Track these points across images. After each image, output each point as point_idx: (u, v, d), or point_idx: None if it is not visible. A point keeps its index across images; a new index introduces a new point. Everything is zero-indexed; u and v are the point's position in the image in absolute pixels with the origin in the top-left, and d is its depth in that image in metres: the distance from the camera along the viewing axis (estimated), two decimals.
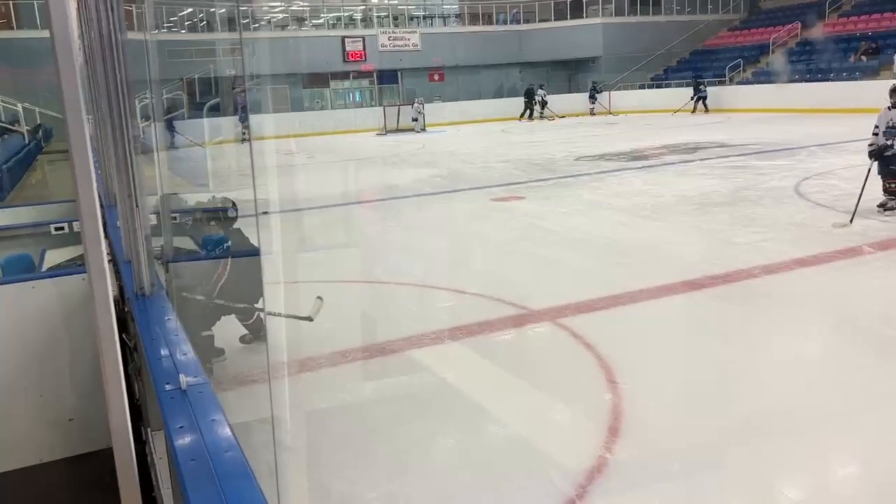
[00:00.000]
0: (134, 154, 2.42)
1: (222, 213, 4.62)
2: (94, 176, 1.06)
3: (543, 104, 29.38)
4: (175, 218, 4.18)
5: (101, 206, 4.57)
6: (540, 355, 4.70)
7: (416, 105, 25.68)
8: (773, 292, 5.53)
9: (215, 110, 20.42)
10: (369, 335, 5.02)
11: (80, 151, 1.02)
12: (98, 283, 1.12)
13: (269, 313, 4.22)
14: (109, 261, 3.52)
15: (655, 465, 3.20)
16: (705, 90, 25.51)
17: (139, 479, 2.21)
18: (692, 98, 25.65)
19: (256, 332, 4.50)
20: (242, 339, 4.49)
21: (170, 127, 19.49)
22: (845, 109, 18.24)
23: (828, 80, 23.22)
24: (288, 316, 4.17)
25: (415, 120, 25.26)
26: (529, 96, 28.96)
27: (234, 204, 4.72)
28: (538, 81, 30.97)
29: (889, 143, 7.36)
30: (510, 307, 5.37)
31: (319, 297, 4.22)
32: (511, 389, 4.11)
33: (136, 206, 2.39)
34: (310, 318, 4.12)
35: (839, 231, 7.06)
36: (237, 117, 20.53)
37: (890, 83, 7.88)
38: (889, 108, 7.47)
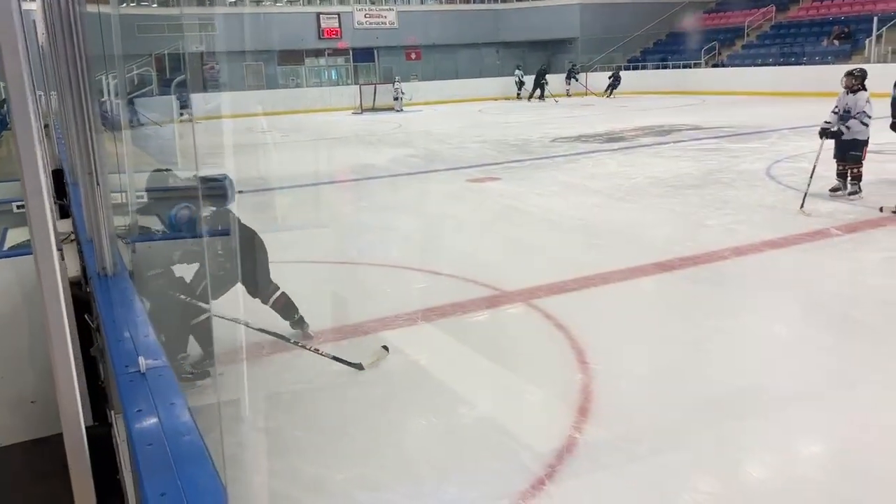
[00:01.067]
0: (94, 131, 2.36)
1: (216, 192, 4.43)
2: (39, 152, 1.02)
3: (521, 84, 29.34)
4: (140, 196, 4.07)
5: (66, 183, 4.46)
6: (512, 336, 4.71)
7: (395, 85, 25.56)
8: (743, 274, 5.59)
9: (182, 87, 19.94)
10: (342, 316, 5.00)
11: (23, 127, 0.98)
12: (45, 264, 1.08)
13: (314, 350, 3.93)
14: (72, 240, 3.45)
15: (624, 445, 3.22)
16: (620, 79, 27.69)
17: (106, 462, 2.17)
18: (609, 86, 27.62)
19: (290, 318, 4.41)
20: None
21: (131, 104, 18.99)
22: (817, 93, 18.41)
23: (801, 63, 23.44)
24: (335, 358, 3.89)
25: (396, 99, 25.17)
26: (542, 76, 28.43)
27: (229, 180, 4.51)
28: (515, 62, 30.85)
29: (842, 128, 7.42)
30: (484, 288, 5.36)
31: (385, 348, 4.01)
32: (483, 370, 4.11)
33: (97, 183, 2.33)
34: (360, 366, 3.86)
35: (808, 214, 7.15)
36: (176, 99, 19.75)
37: (866, 67, 7.94)
38: (845, 92, 7.54)
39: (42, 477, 2.36)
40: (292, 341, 4.11)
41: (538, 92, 28.34)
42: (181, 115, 18.25)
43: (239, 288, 4.09)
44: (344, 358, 3.88)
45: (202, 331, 3.82)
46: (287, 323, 4.42)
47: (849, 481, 2.92)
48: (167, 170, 4.37)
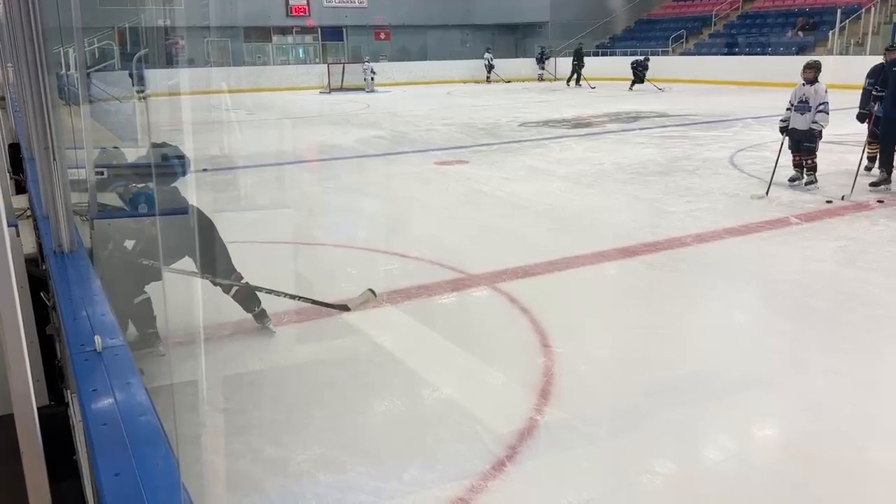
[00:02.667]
0: (51, 104, 2.30)
1: (162, 169, 4.30)
2: None
3: (490, 67, 29.29)
4: (102, 173, 3.99)
5: (22, 157, 4.34)
6: (477, 319, 4.73)
7: (366, 65, 25.34)
8: (703, 260, 5.68)
9: (140, 62, 19.42)
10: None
11: None
12: None
13: (301, 298, 3.67)
14: (28, 216, 3.37)
15: (583, 427, 3.27)
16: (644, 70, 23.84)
17: (63, 442, 2.14)
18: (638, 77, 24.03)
19: (249, 310, 4.26)
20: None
21: (88, 78, 18.41)
22: (781, 83, 18.73)
23: (766, 53, 23.78)
24: (317, 303, 3.61)
25: (366, 80, 25.00)
26: (579, 58, 26.09)
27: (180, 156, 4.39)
28: (484, 44, 30.74)
29: (814, 126, 7.56)
30: (449, 271, 5.38)
31: (372, 291, 3.74)
32: (447, 353, 4.13)
33: (54, 158, 2.27)
34: (346, 307, 3.61)
35: (763, 202, 7.30)
36: (130, 77, 19.04)
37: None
38: (803, 83, 7.68)
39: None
40: (275, 292, 3.95)
41: (575, 75, 25.84)
42: (140, 91, 17.69)
43: (187, 262, 3.96)
44: (328, 302, 3.69)
45: (140, 312, 3.75)
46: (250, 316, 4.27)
47: (802, 466, 3.00)
48: (115, 147, 4.28)
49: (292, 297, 3.61)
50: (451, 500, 2.73)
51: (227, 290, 4.13)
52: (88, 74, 17.90)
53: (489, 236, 6.59)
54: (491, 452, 3.02)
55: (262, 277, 5.02)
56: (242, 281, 4.18)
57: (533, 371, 3.76)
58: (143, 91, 17.51)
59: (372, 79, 25.18)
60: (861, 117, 8.12)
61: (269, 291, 4.02)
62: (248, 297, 4.21)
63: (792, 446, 3.20)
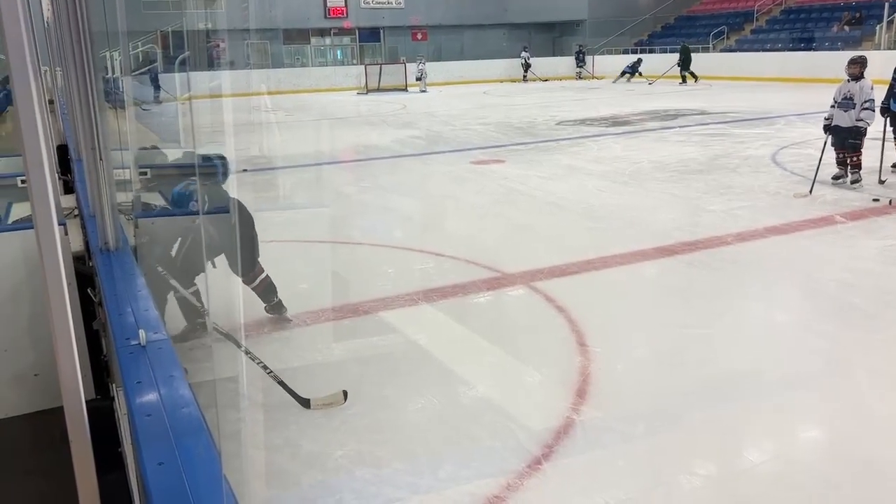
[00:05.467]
0: (98, 107, 2.37)
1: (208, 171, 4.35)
2: (40, 124, 1.03)
3: (527, 66, 29.18)
4: (145, 173, 4.09)
5: (70, 159, 4.47)
6: (513, 318, 4.73)
7: (420, 65, 25.43)
8: (744, 259, 5.59)
9: (185, 65, 19.68)
10: (342, 295, 5.02)
11: (24, 99, 0.99)
12: (45, 237, 1.10)
13: (265, 369, 3.41)
14: (76, 215, 3.47)
15: (621, 426, 3.25)
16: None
17: (108, 435, 2.21)
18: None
19: (269, 300, 4.36)
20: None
21: (154, 81, 18.86)
22: (826, 79, 18.29)
23: (811, 49, 23.25)
24: (282, 385, 3.39)
25: (419, 79, 25.09)
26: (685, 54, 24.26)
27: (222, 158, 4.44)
28: (521, 43, 30.59)
29: (860, 124, 7.35)
30: (485, 270, 5.38)
31: (344, 393, 3.45)
32: (483, 351, 4.14)
33: (101, 159, 2.34)
34: (307, 403, 3.38)
35: (806, 200, 7.15)
36: (152, 87, 19.14)
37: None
38: (847, 80, 7.49)
39: (44, 448, 2.39)
40: (243, 349, 3.63)
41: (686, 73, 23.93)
42: (149, 101, 17.56)
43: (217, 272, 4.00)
44: (294, 390, 3.41)
45: (187, 304, 3.83)
46: (265, 306, 4.38)
47: (842, 467, 2.95)
48: (154, 147, 4.36)
49: (265, 368, 3.46)
50: (486, 498, 2.74)
51: (249, 281, 4.22)
52: (157, 77, 18.11)
53: (525, 235, 6.58)
54: (527, 450, 3.02)
55: (299, 275, 5.09)
56: (263, 274, 4.26)
57: (570, 370, 3.74)
58: (152, 104, 17.43)
59: (424, 77, 25.28)
60: (884, 111, 7.87)
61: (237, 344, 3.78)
62: (268, 289, 4.34)
63: (832, 447, 3.14)
